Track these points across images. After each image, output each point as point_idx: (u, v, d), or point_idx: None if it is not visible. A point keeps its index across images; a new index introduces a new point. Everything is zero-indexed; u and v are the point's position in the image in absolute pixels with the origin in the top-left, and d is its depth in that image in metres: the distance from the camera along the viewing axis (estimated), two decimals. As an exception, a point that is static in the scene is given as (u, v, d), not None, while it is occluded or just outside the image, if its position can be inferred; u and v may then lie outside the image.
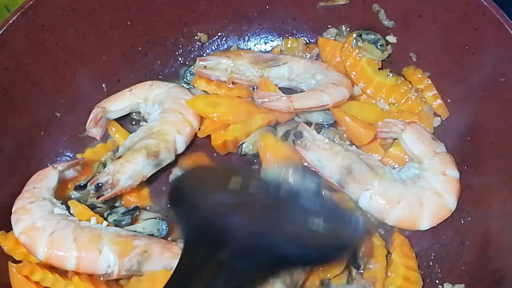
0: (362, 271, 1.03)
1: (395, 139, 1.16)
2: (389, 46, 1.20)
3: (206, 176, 0.88)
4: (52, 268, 0.99)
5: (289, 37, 1.30)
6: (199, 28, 1.28)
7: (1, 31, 1.04)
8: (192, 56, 1.30)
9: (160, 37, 1.25)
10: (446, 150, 1.12)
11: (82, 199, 1.10)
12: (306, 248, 0.78)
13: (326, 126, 1.19)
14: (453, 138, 1.12)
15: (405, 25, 1.16)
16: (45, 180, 1.09)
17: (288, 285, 0.95)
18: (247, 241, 0.77)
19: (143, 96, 1.22)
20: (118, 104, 1.22)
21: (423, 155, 1.11)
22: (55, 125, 1.17)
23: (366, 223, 1.04)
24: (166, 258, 0.99)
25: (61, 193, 1.11)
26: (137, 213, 1.08)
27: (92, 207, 1.07)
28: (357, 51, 1.20)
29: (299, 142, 1.12)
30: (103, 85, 1.23)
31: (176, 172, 1.17)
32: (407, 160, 1.15)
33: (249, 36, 1.32)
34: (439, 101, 1.16)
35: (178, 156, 1.17)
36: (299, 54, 1.28)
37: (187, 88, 1.26)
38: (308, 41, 1.29)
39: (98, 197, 1.08)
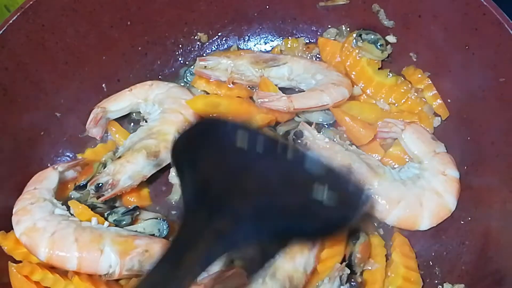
0: (357, 274, 1.03)
1: (395, 139, 1.16)
2: (389, 46, 1.20)
3: (212, 130, 0.84)
4: (52, 268, 0.99)
5: (289, 37, 1.30)
6: (199, 28, 1.28)
7: (1, 31, 1.03)
8: (192, 56, 1.30)
9: (160, 37, 1.25)
10: (446, 150, 1.12)
11: (82, 199, 1.10)
12: (309, 218, 0.76)
13: (326, 126, 1.20)
14: (453, 138, 1.12)
15: (405, 25, 1.16)
16: (46, 181, 1.09)
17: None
18: (248, 209, 0.75)
19: (143, 96, 1.22)
20: (118, 104, 1.22)
21: (423, 155, 1.11)
22: (55, 125, 1.17)
23: (370, 197, 0.98)
24: (166, 258, 0.99)
25: (61, 194, 1.11)
26: (137, 213, 1.08)
27: (92, 207, 1.07)
28: (357, 51, 1.20)
29: (299, 141, 1.12)
30: (103, 85, 1.23)
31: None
32: (407, 160, 1.15)
33: (249, 36, 1.32)
34: (439, 101, 1.16)
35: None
36: (299, 54, 1.28)
37: (187, 88, 1.26)
38: (308, 41, 1.29)
39: (98, 197, 1.08)
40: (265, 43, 1.33)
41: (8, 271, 0.98)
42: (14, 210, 1.04)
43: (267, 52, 1.32)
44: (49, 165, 1.15)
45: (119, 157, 1.11)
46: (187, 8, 1.23)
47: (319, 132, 1.15)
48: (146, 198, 1.15)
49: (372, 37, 1.19)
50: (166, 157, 1.12)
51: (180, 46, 1.29)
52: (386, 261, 1.04)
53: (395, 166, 1.15)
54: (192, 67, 1.27)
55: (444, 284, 1.02)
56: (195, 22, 1.26)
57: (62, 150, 1.20)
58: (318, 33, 1.27)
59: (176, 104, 1.19)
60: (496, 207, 1.00)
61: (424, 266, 1.06)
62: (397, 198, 1.06)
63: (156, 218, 1.07)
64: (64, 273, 1.00)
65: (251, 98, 1.22)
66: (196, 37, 1.29)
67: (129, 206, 1.10)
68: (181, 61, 1.30)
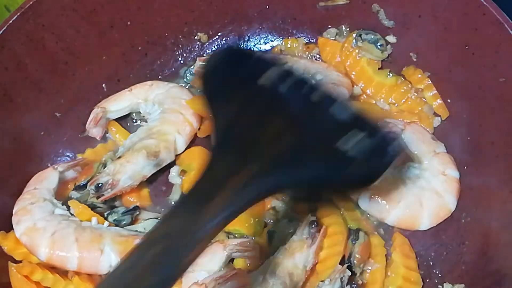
0: (357, 275, 1.03)
1: (395, 139, 1.16)
2: (389, 46, 1.20)
3: (242, 64, 0.81)
4: (52, 268, 0.99)
5: (289, 37, 1.30)
6: (199, 28, 1.28)
7: (1, 31, 1.03)
8: (192, 56, 1.30)
9: (160, 37, 1.25)
10: (446, 150, 1.12)
11: (82, 199, 1.10)
12: (337, 167, 0.73)
13: (326, 126, 1.19)
14: (453, 138, 1.12)
15: (405, 25, 1.16)
16: (46, 181, 1.09)
17: (288, 287, 0.95)
18: (276, 155, 0.72)
19: (143, 96, 1.22)
20: (118, 104, 1.22)
21: (423, 155, 1.11)
22: (55, 125, 1.17)
23: (401, 147, 0.94)
24: (166, 258, 0.99)
25: (61, 194, 1.11)
26: (137, 213, 1.08)
27: (92, 207, 1.07)
28: (357, 51, 1.20)
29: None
30: (103, 85, 1.23)
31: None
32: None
33: (249, 36, 1.31)
34: (439, 101, 1.16)
35: (178, 156, 1.17)
36: (299, 54, 1.28)
37: (187, 88, 1.25)
38: (308, 41, 1.29)
39: (98, 197, 1.08)
40: (265, 43, 1.33)
41: (8, 271, 0.98)
42: (14, 210, 1.04)
43: (267, 52, 1.32)
44: (49, 165, 1.15)
45: (119, 157, 1.11)
46: (187, 8, 1.23)
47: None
48: (146, 198, 1.15)
49: (372, 37, 1.19)
50: (166, 157, 1.13)
51: (180, 46, 1.29)
52: (386, 261, 1.04)
53: (395, 166, 1.15)
54: (192, 67, 1.27)
55: (444, 284, 1.02)
56: (195, 22, 1.26)
57: (62, 150, 1.19)
58: (318, 33, 1.27)
59: (176, 104, 1.19)
60: (496, 207, 1.00)
61: (424, 266, 1.06)
62: (397, 198, 1.06)
63: (156, 218, 1.07)
64: (64, 273, 1.00)
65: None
66: (196, 37, 1.29)
67: (129, 206, 1.10)
68: (181, 61, 1.30)
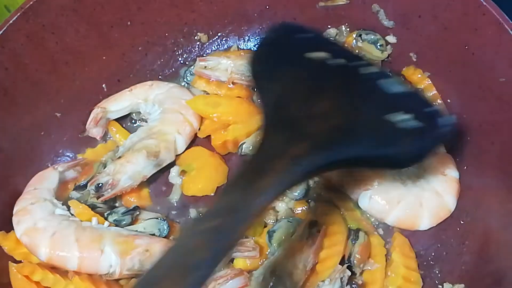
0: (357, 275, 1.03)
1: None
2: (389, 46, 1.20)
3: (290, 40, 0.81)
4: (53, 268, 0.99)
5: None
6: (199, 28, 1.28)
7: (1, 31, 1.03)
8: (192, 56, 1.30)
9: (160, 37, 1.25)
10: (446, 150, 1.12)
11: (82, 199, 1.10)
12: (386, 144, 0.73)
13: (326, 126, 1.19)
14: (453, 138, 1.12)
15: (405, 25, 1.16)
16: (46, 181, 1.09)
17: (288, 287, 0.95)
18: (324, 134, 0.73)
19: (143, 96, 1.22)
20: (118, 104, 1.22)
21: (423, 155, 1.11)
22: (55, 125, 1.17)
23: (451, 122, 0.93)
24: (167, 257, 0.99)
25: (61, 194, 1.11)
26: (137, 213, 1.08)
27: (92, 207, 1.07)
28: (357, 51, 1.20)
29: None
30: (103, 85, 1.23)
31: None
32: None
33: (249, 36, 1.31)
34: (439, 101, 1.16)
35: (178, 156, 1.17)
36: (299, 54, 1.28)
37: (187, 88, 1.25)
38: (308, 41, 1.29)
39: (98, 197, 1.08)
40: (265, 43, 1.33)
41: (8, 271, 0.98)
42: (14, 210, 1.04)
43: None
44: (49, 165, 1.15)
45: (119, 157, 1.11)
46: (187, 8, 1.23)
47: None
48: (146, 198, 1.15)
49: (372, 37, 1.19)
50: (166, 157, 1.13)
51: (180, 46, 1.29)
52: (386, 261, 1.04)
53: (395, 166, 1.15)
54: (192, 67, 1.27)
55: (444, 284, 1.02)
56: (195, 22, 1.26)
57: (62, 150, 1.19)
58: (318, 33, 1.27)
59: (176, 104, 1.19)
60: (496, 207, 1.00)
61: (424, 266, 1.06)
62: (397, 198, 1.06)
63: (156, 218, 1.07)
64: (64, 273, 1.00)
65: (251, 98, 1.22)
66: (196, 37, 1.29)
67: (129, 206, 1.10)
68: (181, 61, 1.30)
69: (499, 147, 1.01)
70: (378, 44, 1.19)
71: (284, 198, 1.09)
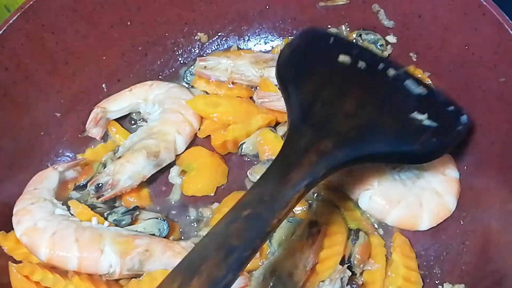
0: (357, 275, 1.03)
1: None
2: (389, 46, 1.21)
3: (316, 44, 0.88)
4: (52, 268, 0.99)
5: (289, 37, 1.30)
6: (199, 28, 1.28)
7: (1, 31, 1.04)
8: (192, 56, 1.30)
9: (160, 37, 1.25)
10: (446, 150, 1.12)
11: (82, 199, 1.10)
12: (408, 140, 0.78)
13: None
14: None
15: (405, 25, 1.16)
16: (46, 181, 1.09)
17: (288, 287, 0.95)
18: (350, 129, 0.77)
19: (143, 96, 1.22)
20: (118, 104, 1.22)
21: (423, 155, 1.11)
22: (55, 125, 1.17)
23: (470, 121, 0.99)
24: (167, 257, 0.99)
25: (61, 194, 1.11)
26: (137, 213, 1.08)
27: (92, 207, 1.07)
28: (358, 51, 1.20)
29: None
30: (103, 85, 1.23)
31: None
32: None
33: (249, 36, 1.32)
34: (439, 101, 1.16)
35: (178, 156, 1.17)
36: (299, 54, 1.28)
37: (187, 88, 1.25)
38: (308, 41, 1.29)
39: (98, 197, 1.08)
40: (265, 43, 1.33)
41: (8, 271, 0.98)
42: (14, 210, 1.04)
43: (267, 52, 1.32)
44: (49, 165, 1.15)
45: (119, 157, 1.11)
46: (187, 8, 1.23)
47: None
48: (146, 198, 1.15)
49: (372, 37, 1.19)
50: (166, 157, 1.13)
51: (180, 46, 1.29)
52: (386, 261, 1.04)
53: (395, 166, 1.15)
54: (192, 67, 1.27)
55: (444, 284, 1.02)
56: (195, 22, 1.26)
57: (62, 150, 1.20)
58: (318, 33, 1.27)
59: (176, 104, 1.19)
60: (496, 207, 1.00)
61: (424, 266, 1.06)
62: (397, 198, 1.06)
63: (156, 218, 1.07)
64: (64, 273, 1.00)
65: (251, 98, 1.22)
66: (196, 37, 1.29)
67: (129, 206, 1.10)
68: (181, 61, 1.30)
69: (499, 147, 1.01)
70: (378, 44, 1.19)
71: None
